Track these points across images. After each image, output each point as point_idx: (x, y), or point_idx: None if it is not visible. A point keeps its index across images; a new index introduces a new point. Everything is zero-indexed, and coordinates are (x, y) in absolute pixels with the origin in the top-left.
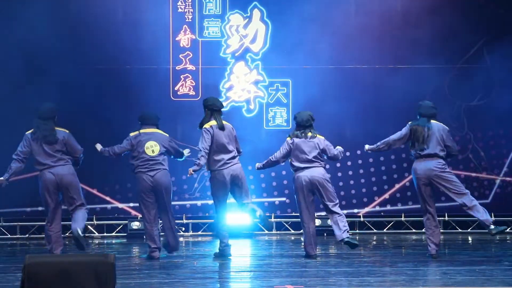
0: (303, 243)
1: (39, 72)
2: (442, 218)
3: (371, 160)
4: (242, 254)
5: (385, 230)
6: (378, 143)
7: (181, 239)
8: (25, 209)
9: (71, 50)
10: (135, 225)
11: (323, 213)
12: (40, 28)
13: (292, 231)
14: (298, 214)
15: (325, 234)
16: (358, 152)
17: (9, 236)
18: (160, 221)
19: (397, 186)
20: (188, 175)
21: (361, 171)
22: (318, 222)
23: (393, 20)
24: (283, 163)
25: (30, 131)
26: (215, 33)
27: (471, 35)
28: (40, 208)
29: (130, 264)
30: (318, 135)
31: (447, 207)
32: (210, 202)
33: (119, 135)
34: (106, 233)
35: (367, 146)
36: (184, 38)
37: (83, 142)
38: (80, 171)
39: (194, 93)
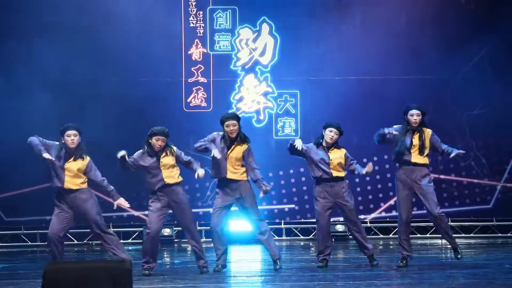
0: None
1: (55, 85)
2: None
3: (376, 168)
4: (253, 259)
5: (391, 235)
6: None
7: None
8: (45, 217)
9: (89, 63)
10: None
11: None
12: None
13: (301, 237)
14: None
15: (333, 239)
16: (364, 160)
17: (29, 243)
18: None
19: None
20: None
21: (368, 178)
22: (341, 227)
23: (397, 33)
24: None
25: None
26: (225, 47)
27: (472, 47)
28: None
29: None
30: None
31: (450, 212)
32: None
33: (134, 146)
34: (123, 239)
35: None
36: (196, 52)
37: (99, 153)
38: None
39: (206, 105)
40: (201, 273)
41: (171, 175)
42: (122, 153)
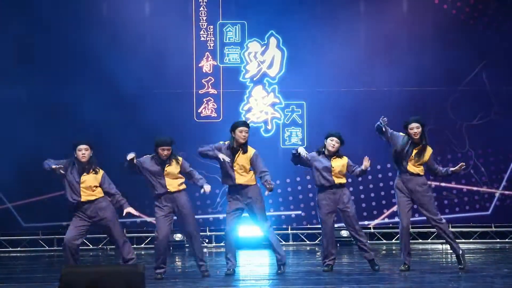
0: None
1: (66, 96)
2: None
3: (380, 175)
4: (261, 263)
5: (393, 241)
6: None
7: (204, 250)
8: (62, 223)
9: (102, 75)
10: (177, 236)
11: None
12: (70, 54)
13: (308, 242)
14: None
15: (338, 245)
16: (368, 168)
17: (47, 248)
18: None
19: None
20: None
21: (371, 185)
22: (345, 233)
23: (400, 46)
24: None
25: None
26: (235, 60)
27: (471, 60)
28: None
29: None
30: None
31: (450, 218)
32: None
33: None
34: (136, 245)
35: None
36: (207, 64)
37: (110, 164)
38: None
39: (216, 115)
40: (203, 277)
41: (173, 183)
42: (131, 155)
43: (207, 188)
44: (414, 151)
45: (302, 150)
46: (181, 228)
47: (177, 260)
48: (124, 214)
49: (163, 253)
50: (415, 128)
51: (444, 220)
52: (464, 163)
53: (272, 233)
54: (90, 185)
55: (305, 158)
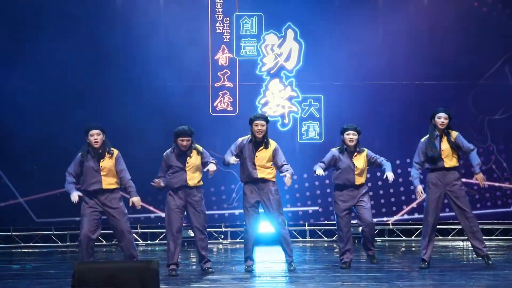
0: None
1: (82, 89)
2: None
3: (399, 171)
4: (278, 260)
5: (413, 237)
6: None
7: (220, 246)
8: (75, 219)
9: (117, 68)
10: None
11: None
12: (85, 46)
13: (325, 238)
14: (335, 222)
15: (356, 241)
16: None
17: (59, 243)
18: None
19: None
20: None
21: (390, 181)
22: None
23: (420, 39)
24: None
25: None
26: (251, 52)
27: (493, 53)
28: None
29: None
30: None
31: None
32: None
33: (160, 150)
34: (150, 240)
35: None
36: (222, 57)
37: (124, 155)
38: None
39: (231, 109)
40: (207, 274)
41: (194, 176)
42: (161, 184)
43: (211, 167)
44: (442, 143)
45: (319, 171)
46: (191, 223)
47: (191, 256)
48: (130, 205)
49: (178, 248)
50: (443, 118)
51: (475, 217)
52: (485, 183)
53: (285, 229)
54: (111, 170)
55: (326, 168)
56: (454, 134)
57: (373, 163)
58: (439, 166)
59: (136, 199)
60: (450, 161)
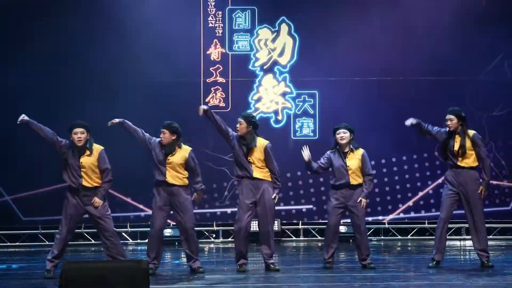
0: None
1: (73, 84)
2: (461, 225)
3: (395, 168)
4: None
5: (409, 237)
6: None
7: (212, 245)
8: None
9: (106, 63)
10: (167, 232)
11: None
12: (76, 44)
13: (319, 238)
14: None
15: (350, 240)
16: (383, 161)
17: (47, 243)
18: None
19: (420, 193)
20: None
21: (386, 179)
22: (343, 228)
23: (416, 34)
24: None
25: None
26: (244, 47)
27: (492, 49)
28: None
29: (163, 270)
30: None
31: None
32: None
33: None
34: (140, 239)
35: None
36: (215, 52)
37: (114, 153)
38: (115, 180)
39: (224, 105)
40: (196, 274)
41: (175, 175)
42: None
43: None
44: (456, 144)
45: (305, 155)
46: (177, 222)
47: (182, 256)
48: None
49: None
50: (448, 120)
51: None
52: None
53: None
54: (91, 167)
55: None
56: (470, 133)
57: (364, 175)
58: (453, 164)
59: (98, 201)
60: (463, 160)
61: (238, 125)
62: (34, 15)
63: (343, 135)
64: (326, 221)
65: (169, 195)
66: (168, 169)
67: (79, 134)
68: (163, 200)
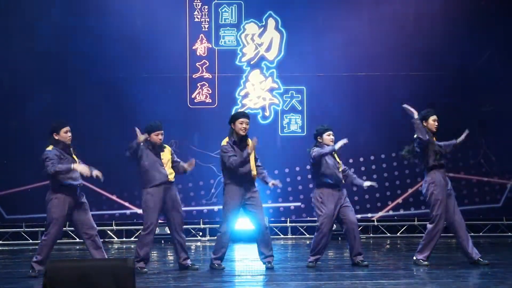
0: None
1: (58, 82)
2: None
3: (384, 165)
4: (257, 258)
5: (398, 234)
6: None
7: (198, 243)
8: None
9: (90, 59)
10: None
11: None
12: (59, 39)
13: (307, 235)
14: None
15: (339, 238)
16: (372, 158)
17: (30, 241)
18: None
19: (410, 191)
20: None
21: (375, 176)
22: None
23: (406, 29)
24: None
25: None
26: (231, 42)
27: (482, 44)
28: None
29: (149, 269)
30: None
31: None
32: None
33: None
34: (125, 238)
35: None
36: (201, 47)
37: (102, 150)
38: None
39: (210, 101)
40: (187, 270)
41: (171, 171)
42: (144, 137)
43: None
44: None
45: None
46: (168, 219)
47: (169, 254)
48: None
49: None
50: (436, 121)
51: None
52: (468, 131)
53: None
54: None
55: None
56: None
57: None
58: (442, 164)
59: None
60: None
61: (245, 126)
62: (18, 11)
63: (333, 137)
64: (315, 218)
65: (165, 193)
66: (166, 168)
67: (69, 133)
68: (160, 201)
